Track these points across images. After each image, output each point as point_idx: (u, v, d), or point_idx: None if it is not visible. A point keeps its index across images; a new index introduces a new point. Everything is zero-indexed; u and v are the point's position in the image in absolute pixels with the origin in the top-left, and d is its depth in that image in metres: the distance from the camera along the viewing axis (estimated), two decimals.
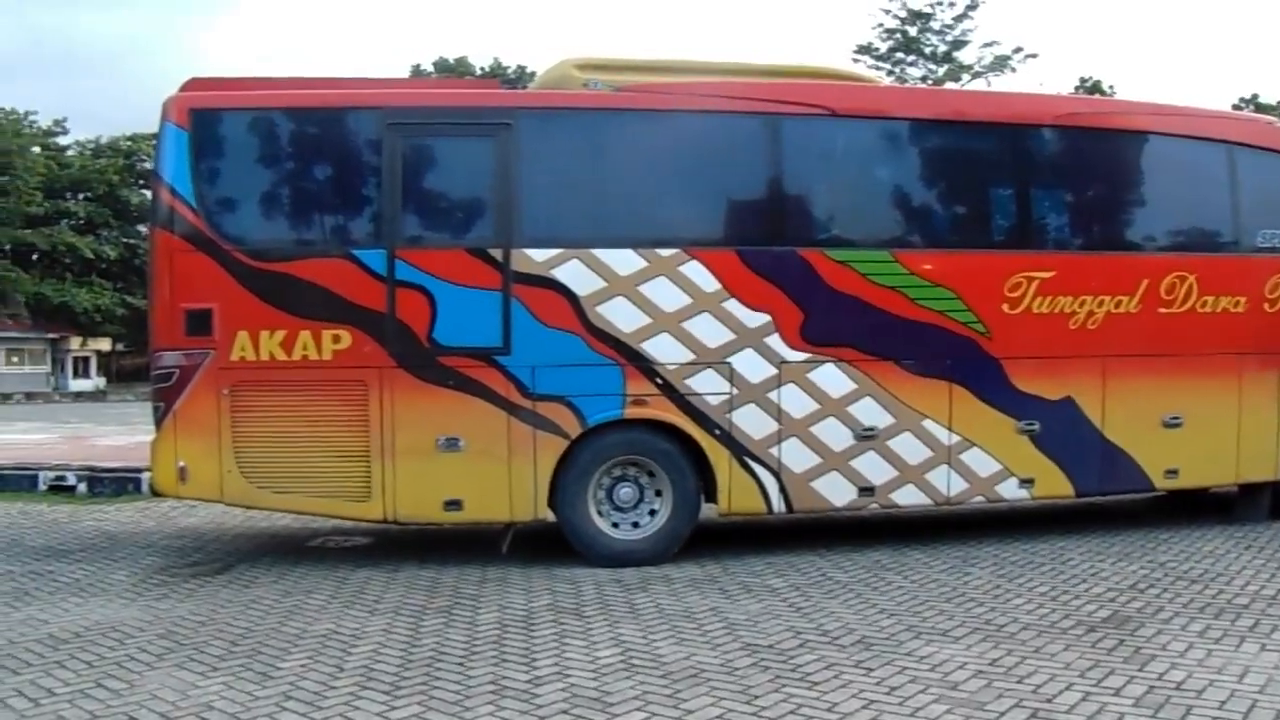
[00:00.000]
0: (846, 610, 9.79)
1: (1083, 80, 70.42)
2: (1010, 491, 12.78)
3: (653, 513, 12.11)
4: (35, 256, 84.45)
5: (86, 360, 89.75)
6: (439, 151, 12.19)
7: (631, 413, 11.92)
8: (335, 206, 12.19)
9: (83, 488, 18.23)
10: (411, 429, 11.56)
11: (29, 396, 73.11)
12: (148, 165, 79.40)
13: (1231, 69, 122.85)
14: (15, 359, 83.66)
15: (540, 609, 10.00)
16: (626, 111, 12.27)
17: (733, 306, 11.98)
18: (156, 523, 15.25)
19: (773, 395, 12.08)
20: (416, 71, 78.36)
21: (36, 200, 79.84)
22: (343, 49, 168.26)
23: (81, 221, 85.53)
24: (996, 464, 12.63)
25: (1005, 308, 12.54)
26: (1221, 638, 8.70)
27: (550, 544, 12.31)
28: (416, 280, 11.56)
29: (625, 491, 12.06)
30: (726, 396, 12.01)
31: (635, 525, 12.09)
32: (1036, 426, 12.69)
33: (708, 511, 12.50)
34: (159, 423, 11.67)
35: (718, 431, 12.01)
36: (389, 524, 12.09)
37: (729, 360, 11.99)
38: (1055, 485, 12.93)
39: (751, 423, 12.07)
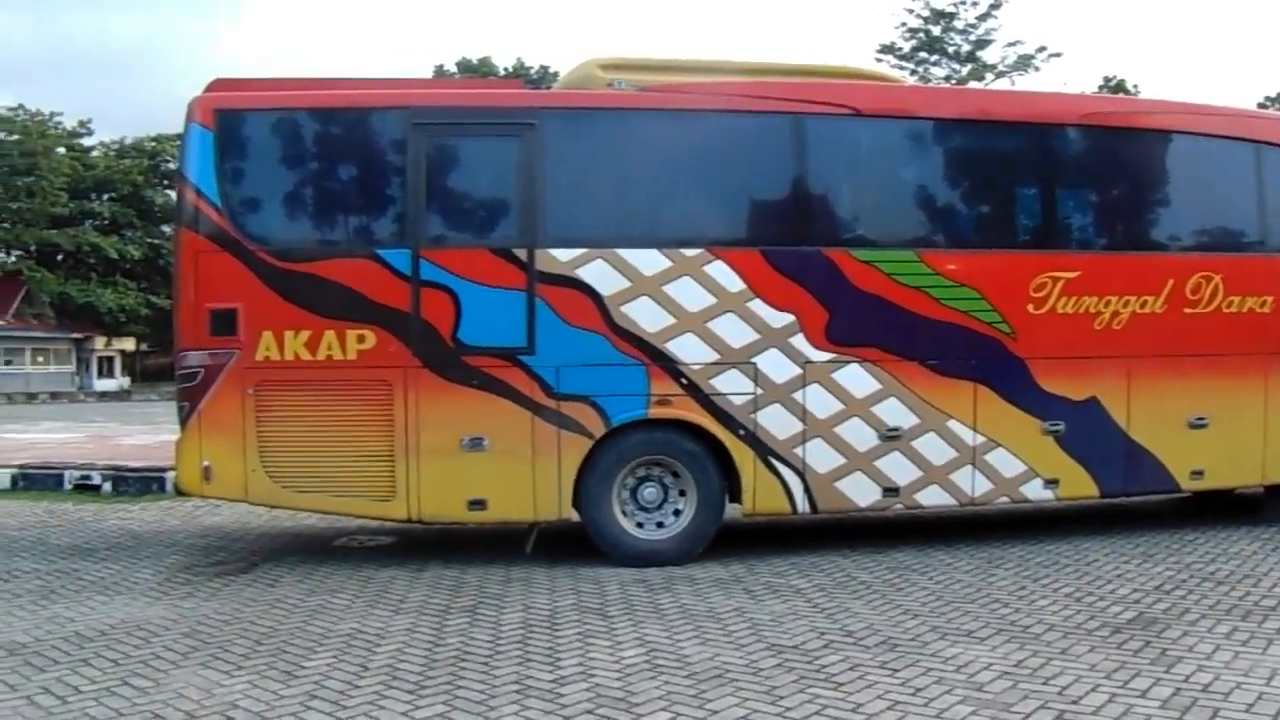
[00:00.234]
0: (871, 611, 9.77)
1: (1106, 79, 70.22)
2: (1035, 492, 12.73)
3: (677, 513, 12.09)
4: (60, 257, 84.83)
5: (111, 360, 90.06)
6: (463, 151, 12.18)
7: (656, 413, 11.92)
8: (360, 206, 12.19)
9: (108, 487, 18.31)
10: (436, 429, 11.57)
11: (54, 396, 73.37)
12: (172, 166, 79.67)
13: (1257, 67, 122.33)
14: (41, 359, 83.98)
15: (565, 609, 9.99)
16: (651, 111, 12.26)
17: (757, 306, 11.97)
18: (181, 522, 15.29)
19: (797, 395, 12.06)
20: (440, 72, 78.42)
21: (61, 201, 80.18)
22: (366, 50, 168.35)
23: (106, 222, 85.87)
24: (1021, 464, 12.59)
25: (1030, 308, 12.50)
26: (1249, 640, 8.65)
27: (574, 544, 12.32)
28: (441, 280, 11.57)
29: (650, 491, 12.05)
30: (751, 396, 11.99)
31: (660, 525, 12.08)
32: (1061, 427, 12.64)
33: (732, 512, 12.47)
34: (184, 422, 11.70)
35: (742, 431, 11.99)
36: (413, 523, 12.10)
37: (753, 360, 11.98)
38: (1080, 486, 12.88)
39: (776, 423, 12.05)
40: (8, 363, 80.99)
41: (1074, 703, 7.24)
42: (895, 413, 12.28)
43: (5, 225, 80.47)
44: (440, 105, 12.34)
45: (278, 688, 7.77)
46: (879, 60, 67.07)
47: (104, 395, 77.67)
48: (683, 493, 12.10)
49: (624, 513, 12.01)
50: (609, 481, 11.90)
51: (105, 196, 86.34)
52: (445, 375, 11.60)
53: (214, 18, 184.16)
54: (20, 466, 19.48)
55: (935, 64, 69.36)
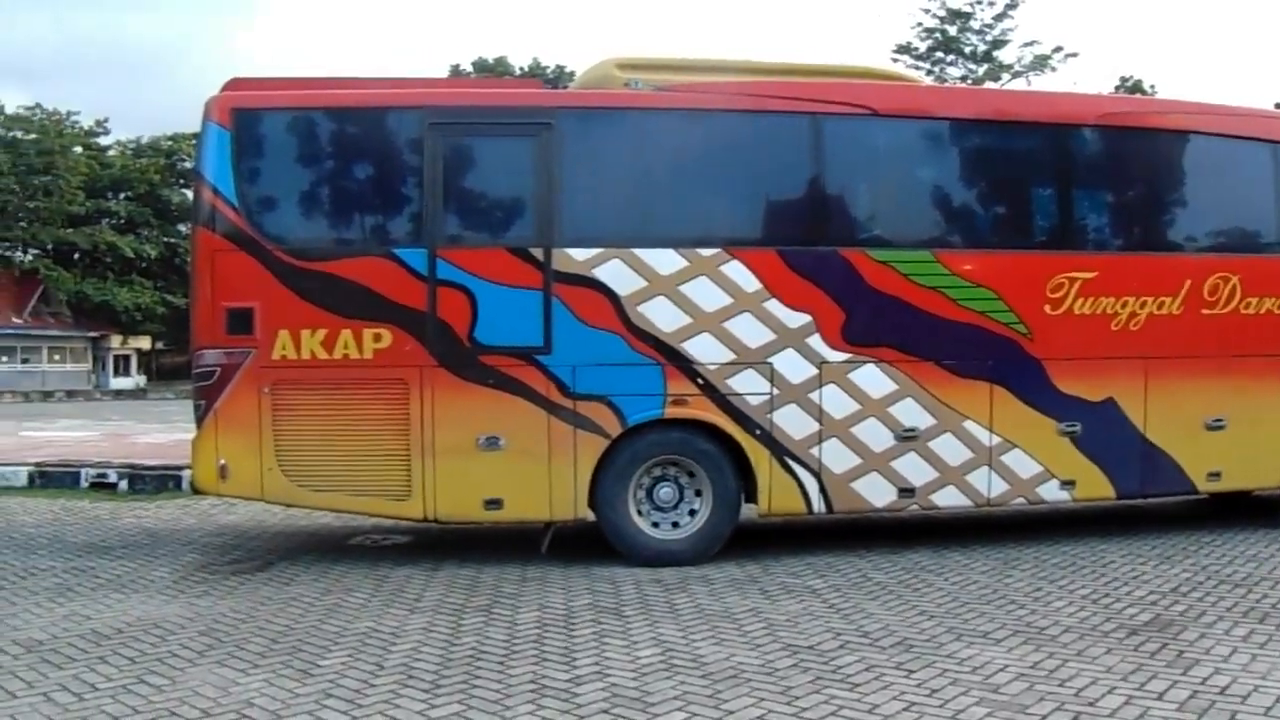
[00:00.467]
0: (886, 612, 9.76)
1: (1123, 79, 70.12)
2: (1051, 493, 12.71)
3: (693, 513, 12.08)
4: (77, 255, 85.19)
5: (127, 358, 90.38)
6: (480, 151, 12.19)
7: (672, 412, 11.91)
8: (376, 206, 12.21)
9: (124, 485, 18.36)
10: (452, 428, 11.57)
11: (70, 394, 73.52)
12: (188, 165, 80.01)
13: (1274, 67, 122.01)
14: (57, 357, 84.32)
15: (580, 608, 9.99)
16: (668, 111, 12.25)
17: (774, 306, 11.96)
18: (197, 520, 15.32)
19: (813, 395, 12.05)
20: (455, 71, 78.56)
21: (78, 200, 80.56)
22: (381, 49, 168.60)
23: (122, 221, 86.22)
24: (1037, 465, 12.56)
25: (1047, 308, 12.48)
26: (1266, 642, 8.61)
27: (590, 543, 12.32)
28: (458, 279, 11.57)
29: (665, 491, 12.04)
30: (767, 397, 11.98)
31: (675, 525, 12.07)
32: (1078, 428, 12.61)
33: (748, 512, 12.46)
34: (200, 421, 11.71)
35: (758, 432, 11.98)
36: (429, 523, 12.08)
37: (770, 360, 11.97)
38: (1096, 487, 12.84)
39: (792, 423, 12.04)
40: (24, 361, 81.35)
41: (1090, 705, 7.22)
42: (911, 413, 12.26)
43: (22, 224, 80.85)
44: (457, 105, 12.35)
45: (293, 686, 7.78)
46: (895, 60, 67.11)
47: (120, 394, 77.85)
48: (698, 493, 12.09)
49: (640, 512, 12.01)
50: (625, 481, 11.90)
51: (122, 195, 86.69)
52: (461, 374, 11.61)
53: (231, 17, 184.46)
54: (37, 464, 19.54)
55: (951, 64, 69.38)
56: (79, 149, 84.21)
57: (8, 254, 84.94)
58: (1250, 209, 13.63)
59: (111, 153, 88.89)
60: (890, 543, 12.92)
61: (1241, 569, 11.38)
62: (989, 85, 61.49)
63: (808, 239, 12.25)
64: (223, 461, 11.56)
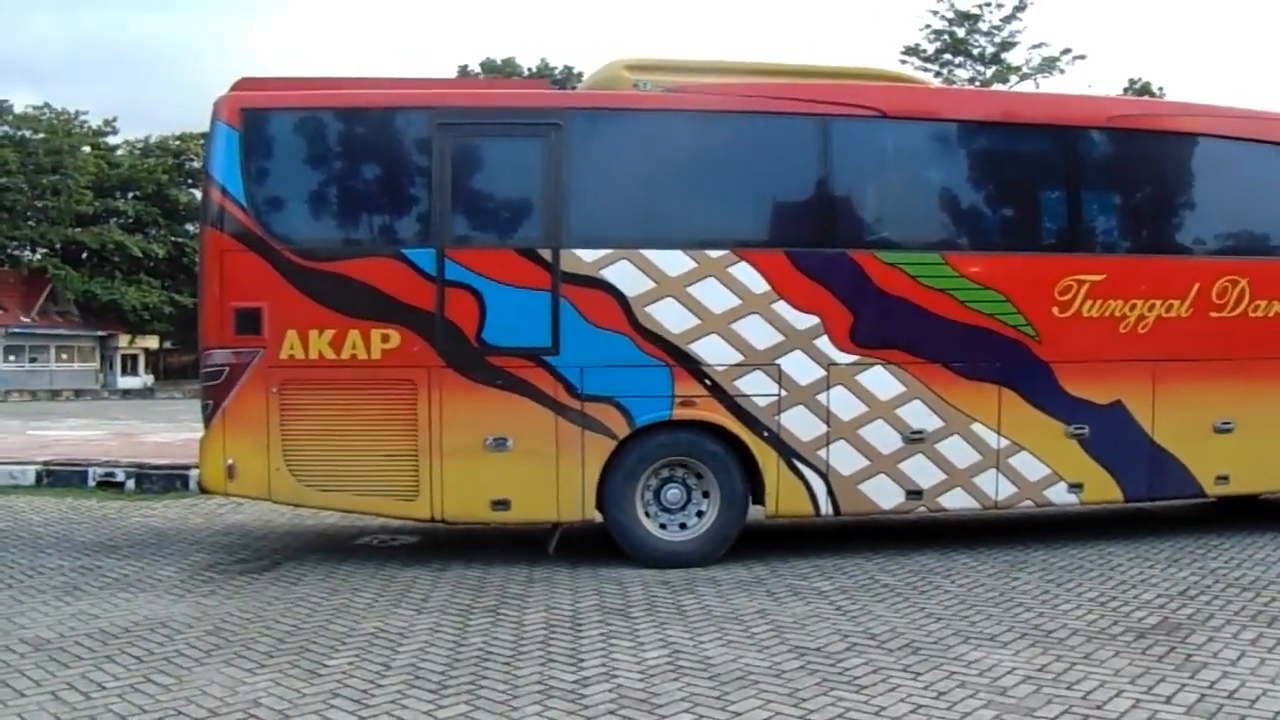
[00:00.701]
0: (894, 614, 9.75)
1: (1132, 82, 70.01)
2: (1059, 496, 12.69)
3: (700, 514, 12.08)
4: (85, 255, 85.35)
5: (135, 358, 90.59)
6: (488, 151, 12.21)
7: (680, 414, 11.90)
8: (385, 206, 12.21)
9: (131, 484, 18.37)
10: (460, 428, 11.57)
11: (78, 393, 73.75)
12: (196, 164, 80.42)
13: None
14: (65, 356, 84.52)
15: (587, 609, 10.00)
16: (676, 112, 12.25)
17: (781, 308, 11.95)
18: (204, 519, 15.33)
19: (821, 397, 12.04)
20: (463, 72, 78.51)
21: (86, 199, 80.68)
22: (390, 49, 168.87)
23: (130, 220, 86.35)
24: (1045, 468, 12.55)
25: (1055, 311, 12.46)
26: (1275, 646, 8.59)
27: (597, 545, 12.32)
28: (466, 280, 11.57)
29: (673, 493, 12.04)
30: (775, 398, 11.98)
31: (683, 526, 12.07)
32: (1086, 431, 12.59)
33: (755, 513, 12.46)
34: (207, 420, 11.73)
35: (766, 433, 11.98)
36: (436, 523, 12.08)
37: (778, 362, 11.96)
38: (1104, 490, 12.83)
39: (800, 425, 12.03)
40: (33, 360, 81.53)
41: (1098, 708, 7.22)
42: (919, 415, 12.25)
43: (31, 223, 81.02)
44: (465, 105, 12.36)
45: (300, 686, 7.79)
46: (903, 62, 66.90)
47: (127, 393, 78.02)
48: (706, 494, 12.09)
49: (647, 514, 12.01)
50: (632, 482, 11.89)
51: (130, 195, 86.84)
52: (469, 375, 11.61)
53: (239, 17, 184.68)
54: (45, 463, 19.56)
55: (959, 66, 69.22)
56: (87, 148, 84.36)
57: (16, 253, 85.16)
58: (1259, 212, 13.60)
59: (120, 152, 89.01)
60: (898, 545, 12.91)
61: (1249, 572, 11.37)
62: (997, 87, 61.43)
63: (816, 241, 12.24)
64: (230, 461, 11.57)
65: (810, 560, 12.12)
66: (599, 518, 12.01)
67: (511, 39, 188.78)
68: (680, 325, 11.81)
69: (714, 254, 11.88)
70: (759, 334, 11.94)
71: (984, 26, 68.08)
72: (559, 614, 9.83)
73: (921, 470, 12.30)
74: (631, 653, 8.56)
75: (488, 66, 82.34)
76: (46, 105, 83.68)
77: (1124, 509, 14.24)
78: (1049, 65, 67.68)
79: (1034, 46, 68.37)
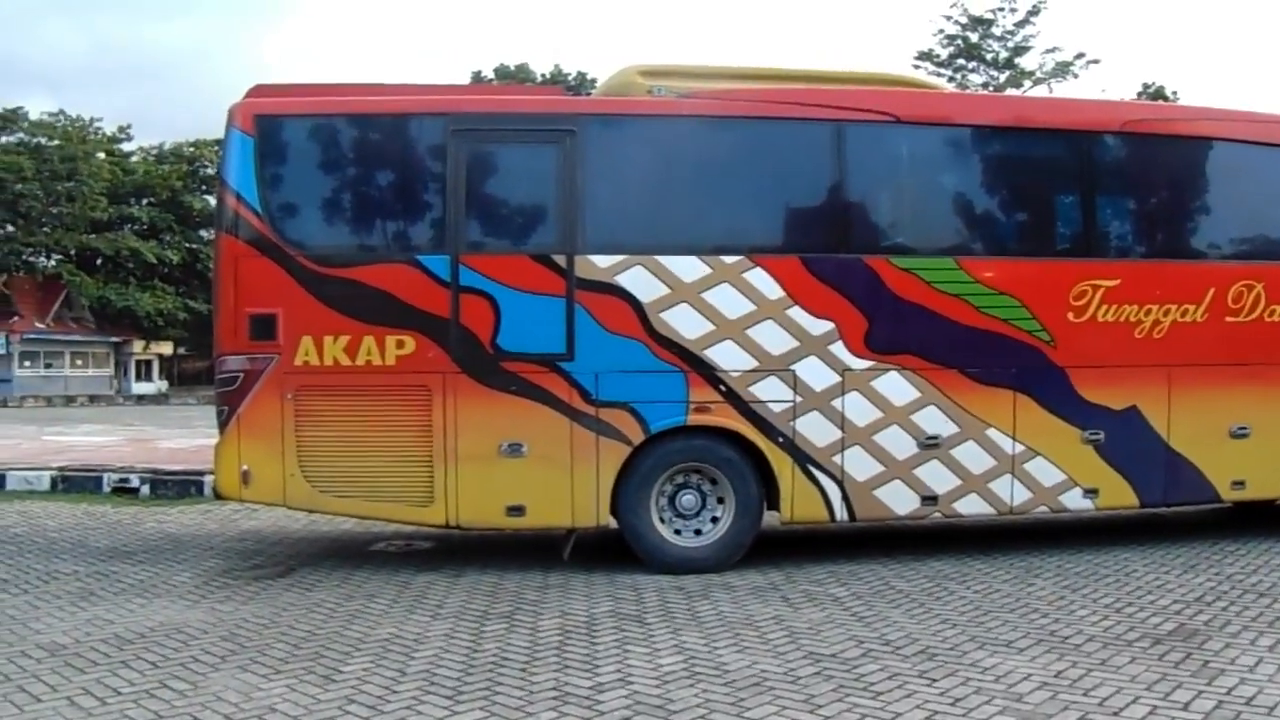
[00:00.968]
0: (909, 620, 9.73)
1: (1145, 86, 69.86)
2: (1074, 502, 12.66)
3: (715, 520, 12.06)
4: (99, 261, 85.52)
5: (149, 363, 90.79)
6: (503, 157, 12.21)
7: (694, 419, 11.90)
8: (399, 212, 12.24)
9: (146, 490, 18.45)
10: (474, 434, 11.57)
11: (93, 399, 73.88)
12: (210, 171, 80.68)
13: None
14: (80, 362, 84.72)
15: (602, 615, 9.99)
16: (690, 118, 12.24)
17: (796, 314, 11.94)
18: (219, 525, 15.34)
19: (836, 403, 12.03)
20: (477, 78, 78.60)
21: (101, 205, 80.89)
22: (403, 56, 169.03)
23: (145, 226, 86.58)
24: (1061, 474, 12.52)
25: (1070, 316, 12.43)
26: None
27: (612, 551, 12.30)
28: (481, 286, 11.58)
29: (687, 498, 12.03)
30: (790, 404, 11.96)
31: (697, 532, 12.06)
32: (1101, 436, 12.56)
33: (770, 519, 12.45)
34: (222, 426, 11.75)
35: (781, 439, 11.97)
36: (451, 529, 12.06)
37: (792, 368, 11.94)
38: (1120, 495, 12.80)
39: (815, 430, 12.02)
40: (47, 366, 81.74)
41: (1115, 714, 7.20)
42: (934, 421, 12.23)
43: (46, 229, 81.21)
44: (480, 111, 12.38)
45: (316, 692, 7.79)
46: (916, 67, 66.89)
47: (142, 399, 78.09)
48: (721, 500, 12.07)
49: (662, 520, 11.99)
50: (647, 488, 11.88)
51: (144, 201, 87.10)
52: (484, 381, 11.60)
53: (254, 24, 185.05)
54: (60, 469, 19.63)
55: (973, 71, 69.15)
56: (102, 155, 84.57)
57: (31, 259, 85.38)
58: (1275, 216, 13.54)
59: (134, 159, 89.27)
60: (913, 551, 12.88)
61: (1266, 578, 11.33)
62: (1011, 92, 61.34)
63: (830, 246, 12.23)
64: (245, 467, 11.58)
65: (825, 566, 12.10)
66: (614, 523, 12.00)
67: (525, 45, 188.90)
68: (695, 331, 11.80)
69: (729, 260, 11.87)
70: (774, 340, 11.93)
71: (997, 31, 68.03)
72: (574, 620, 9.82)
73: (937, 476, 12.28)
74: (647, 659, 8.55)
75: (501, 72, 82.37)
76: (61, 112, 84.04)
77: (1140, 514, 14.22)
78: (1062, 70, 67.61)
79: (1047, 51, 68.38)
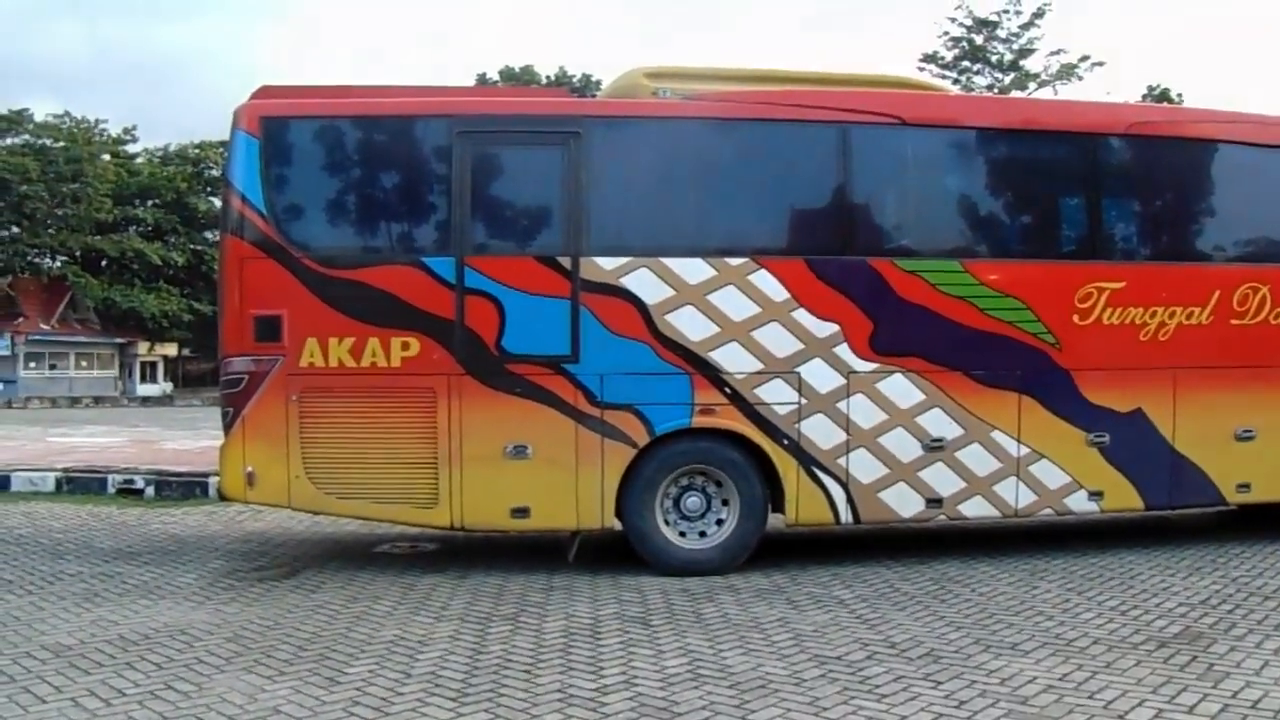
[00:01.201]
0: (914, 623, 9.73)
1: (1150, 88, 69.77)
2: (1079, 504, 12.65)
3: (720, 522, 12.06)
4: (104, 262, 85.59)
5: (154, 365, 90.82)
6: (508, 160, 12.19)
7: (699, 422, 11.90)
8: (404, 214, 12.25)
9: (150, 491, 18.43)
10: (479, 436, 11.57)
11: (97, 400, 73.81)
12: (215, 172, 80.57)
13: None
14: (84, 363, 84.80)
15: (607, 617, 9.99)
16: (696, 120, 12.23)
17: (801, 316, 11.94)
18: (223, 527, 15.35)
19: (841, 405, 12.02)
20: (482, 80, 78.62)
21: (106, 207, 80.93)
22: (409, 57, 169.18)
23: (150, 228, 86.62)
24: (1066, 476, 12.51)
25: (1075, 319, 12.43)
26: None
27: (617, 553, 12.30)
28: (485, 288, 11.58)
29: (692, 500, 12.02)
30: (795, 406, 11.96)
31: (702, 535, 12.05)
32: (1106, 439, 12.55)
33: (774, 522, 12.44)
34: (227, 428, 11.74)
35: (786, 441, 11.96)
36: (456, 531, 12.07)
37: (797, 370, 11.94)
38: (1125, 498, 12.79)
39: (820, 433, 12.01)
40: (52, 367, 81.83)
41: (1120, 718, 7.21)
42: (939, 423, 12.22)
43: (51, 231, 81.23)
44: (485, 113, 12.38)
45: (320, 694, 7.80)
46: (921, 69, 66.79)
47: (147, 400, 78.03)
48: (725, 502, 12.07)
49: (667, 522, 11.99)
50: (652, 490, 11.88)
51: (149, 203, 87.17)
52: (489, 383, 11.61)
53: (258, 26, 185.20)
54: (64, 470, 19.62)
55: (978, 73, 69.05)
56: (107, 157, 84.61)
57: (36, 261, 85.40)
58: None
59: (139, 160, 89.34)
60: (918, 553, 12.87)
61: (1271, 581, 11.32)
62: (1015, 94, 61.30)
63: (835, 248, 12.22)
64: (250, 469, 11.58)
65: (830, 568, 12.10)
66: (618, 526, 12.00)
67: (530, 47, 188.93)
68: (700, 333, 11.80)
69: (734, 262, 11.87)
70: (779, 342, 11.92)
71: (1002, 33, 67.92)
72: (579, 622, 9.82)
73: (941, 478, 12.27)
74: (651, 661, 8.55)
75: (506, 74, 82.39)
76: (67, 114, 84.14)
77: (1145, 517, 14.20)
78: (1067, 72, 67.46)
79: (1052, 53, 68.10)
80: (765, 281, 11.89)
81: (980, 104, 20.60)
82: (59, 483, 19.09)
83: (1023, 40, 67.68)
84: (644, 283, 11.72)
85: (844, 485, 12.09)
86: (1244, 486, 13.05)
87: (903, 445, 12.18)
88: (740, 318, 11.85)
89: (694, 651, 8.79)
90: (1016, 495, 12.43)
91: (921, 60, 69.48)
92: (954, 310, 12.19)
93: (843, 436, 12.05)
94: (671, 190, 12.27)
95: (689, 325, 11.78)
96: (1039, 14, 66.52)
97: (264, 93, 12.16)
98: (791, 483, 12.01)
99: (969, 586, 11.20)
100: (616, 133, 12.27)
